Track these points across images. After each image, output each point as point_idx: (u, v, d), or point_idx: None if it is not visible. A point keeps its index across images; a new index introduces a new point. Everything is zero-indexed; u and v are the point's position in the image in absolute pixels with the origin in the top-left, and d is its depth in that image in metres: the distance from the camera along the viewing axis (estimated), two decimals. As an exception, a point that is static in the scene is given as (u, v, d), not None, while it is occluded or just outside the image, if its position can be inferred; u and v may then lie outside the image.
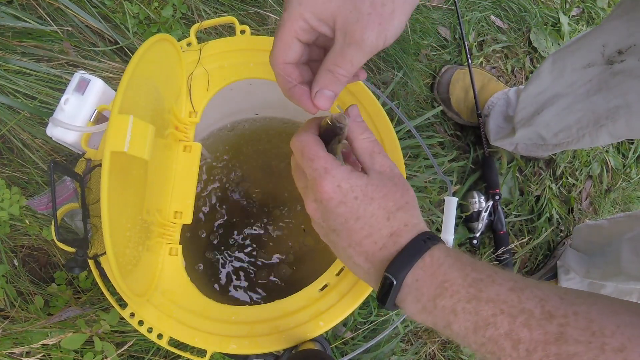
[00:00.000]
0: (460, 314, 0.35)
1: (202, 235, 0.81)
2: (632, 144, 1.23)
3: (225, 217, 0.82)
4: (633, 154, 1.22)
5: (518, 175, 1.09)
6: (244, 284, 0.79)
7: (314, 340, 0.56)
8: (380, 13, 0.35)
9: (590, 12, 1.27)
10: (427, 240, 0.39)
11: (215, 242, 0.81)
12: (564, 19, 1.21)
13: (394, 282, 0.38)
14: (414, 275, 0.38)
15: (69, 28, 0.89)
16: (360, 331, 0.90)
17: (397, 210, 0.41)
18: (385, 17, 0.35)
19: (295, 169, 0.45)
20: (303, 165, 0.41)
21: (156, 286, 0.57)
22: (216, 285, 0.78)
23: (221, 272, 0.80)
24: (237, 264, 0.80)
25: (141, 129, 0.44)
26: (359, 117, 0.45)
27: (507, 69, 1.15)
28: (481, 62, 1.13)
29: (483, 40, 1.15)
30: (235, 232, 0.81)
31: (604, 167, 1.18)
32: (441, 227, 0.62)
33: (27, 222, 0.83)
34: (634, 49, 0.67)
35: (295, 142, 0.43)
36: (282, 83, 0.42)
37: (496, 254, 1.01)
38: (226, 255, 0.81)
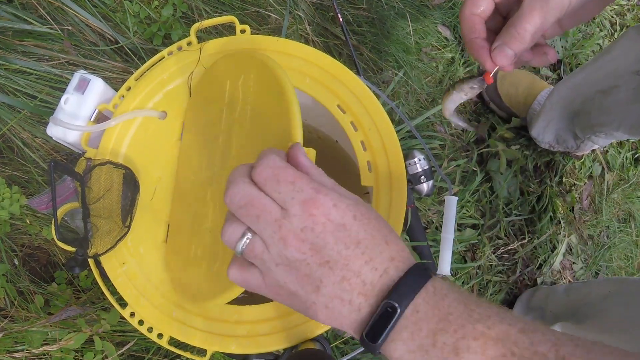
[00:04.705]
0: (464, 354, 0.30)
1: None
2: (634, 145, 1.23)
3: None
4: (633, 154, 1.22)
5: (518, 175, 1.09)
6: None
7: (314, 339, 0.56)
8: None
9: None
10: (427, 269, 0.35)
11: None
12: (564, 19, 1.21)
13: (398, 310, 0.32)
14: (414, 306, 0.32)
15: (70, 27, 0.89)
16: (360, 331, 0.90)
17: (390, 234, 0.35)
18: None
19: (249, 202, 0.34)
20: (275, 192, 0.34)
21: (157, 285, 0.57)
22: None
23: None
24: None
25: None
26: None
27: (507, 69, 1.15)
28: (482, 62, 1.13)
29: (483, 40, 1.15)
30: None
31: (605, 167, 1.18)
32: (441, 226, 0.62)
33: (27, 221, 0.83)
34: None
35: (257, 170, 0.34)
36: (466, 31, 0.45)
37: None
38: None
